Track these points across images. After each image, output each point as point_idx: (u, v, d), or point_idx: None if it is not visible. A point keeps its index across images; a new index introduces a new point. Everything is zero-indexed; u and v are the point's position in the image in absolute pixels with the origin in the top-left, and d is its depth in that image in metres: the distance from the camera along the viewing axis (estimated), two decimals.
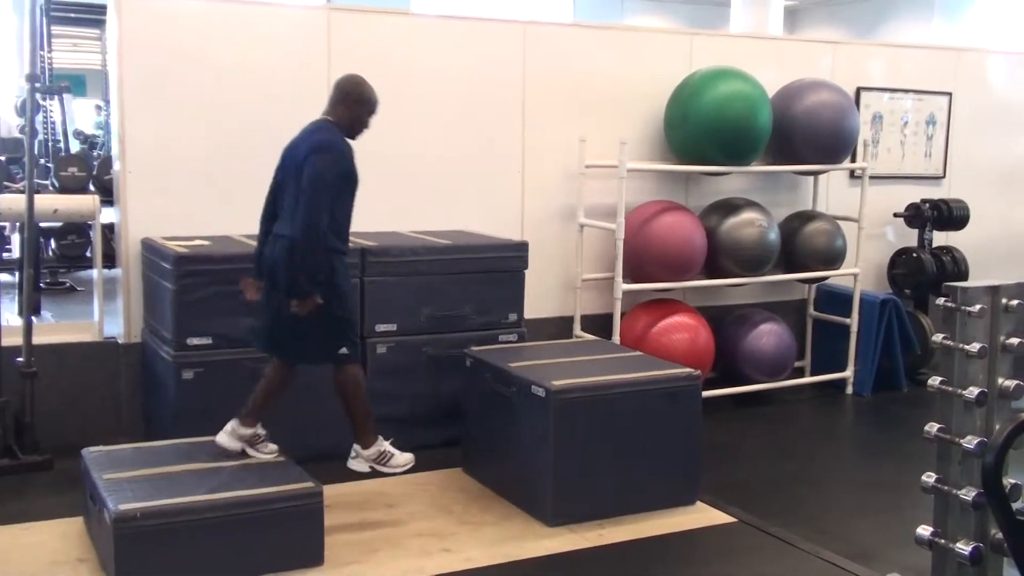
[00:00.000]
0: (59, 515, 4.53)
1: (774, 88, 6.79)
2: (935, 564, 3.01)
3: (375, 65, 5.98)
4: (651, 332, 6.31)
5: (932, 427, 2.96)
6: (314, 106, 5.82)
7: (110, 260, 6.24)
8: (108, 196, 6.44)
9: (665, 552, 4.43)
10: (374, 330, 5.39)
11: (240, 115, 5.70)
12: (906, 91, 7.73)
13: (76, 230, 8.68)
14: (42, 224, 7.17)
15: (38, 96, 7.73)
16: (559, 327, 6.46)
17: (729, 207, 6.64)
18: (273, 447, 4.48)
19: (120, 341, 5.67)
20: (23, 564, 4.08)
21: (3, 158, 9.76)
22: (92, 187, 8.41)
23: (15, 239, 9.20)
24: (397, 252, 5.50)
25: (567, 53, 6.56)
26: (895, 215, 7.67)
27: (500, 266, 5.76)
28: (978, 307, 2.85)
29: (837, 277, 7.07)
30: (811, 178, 7.24)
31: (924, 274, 7.40)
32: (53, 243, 8.89)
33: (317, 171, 4.27)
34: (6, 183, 9.05)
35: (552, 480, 4.57)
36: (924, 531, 2.99)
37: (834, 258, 6.89)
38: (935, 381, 2.96)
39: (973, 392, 2.84)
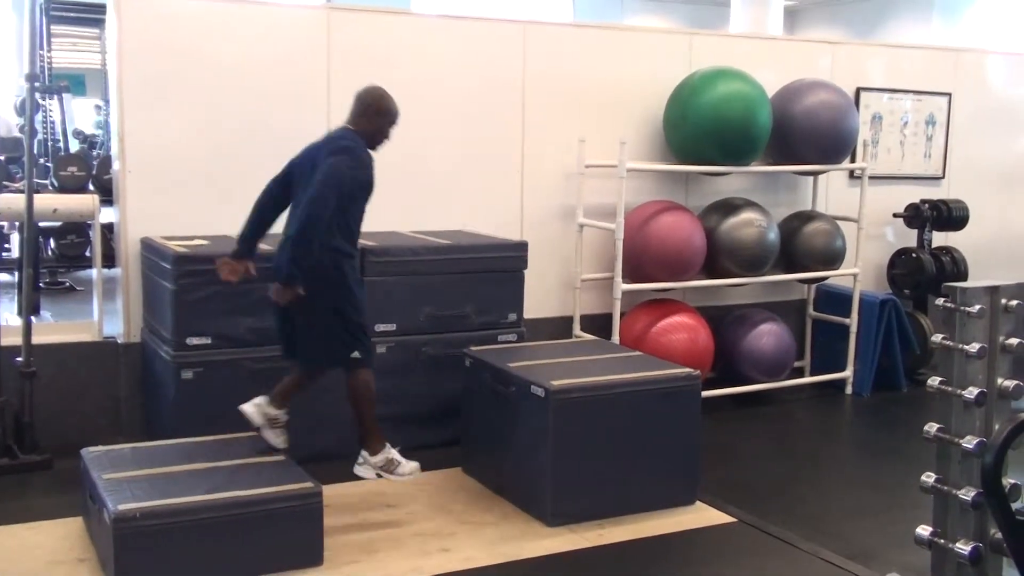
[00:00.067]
0: (59, 515, 4.53)
1: (774, 88, 6.79)
2: (934, 564, 3.01)
3: (375, 65, 5.99)
4: (650, 332, 6.31)
5: (931, 427, 2.96)
6: (314, 106, 5.87)
7: (109, 260, 6.23)
8: (107, 196, 6.44)
9: (665, 552, 4.43)
10: (374, 330, 5.39)
11: (240, 115, 5.70)
12: (905, 91, 7.73)
13: (75, 230, 8.67)
14: (41, 224, 7.16)
15: (37, 96, 7.73)
16: (558, 327, 6.46)
17: (728, 207, 6.64)
18: (285, 438, 4.48)
19: (119, 341, 5.67)
20: (23, 564, 4.08)
21: (2, 157, 9.76)
22: (91, 187, 8.39)
23: (14, 239, 9.20)
24: (397, 252, 5.50)
25: (567, 53, 6.56)
26: (894, 215, 7.67)
27: (500, 266, 5.76)
28: (977, 307, 2.85)
29: (837, 277, 7.07)
30: (811, 178, 7.24)
31: (923, 274, 7.40)
32: (52, 243, 8.88)
33: (334, 169, 4.28)
34: (5, 182, 9.06)
35: (551, 480, 4.57)
36: (923, 531, 2.99)
37: (833, 258, 6.89)
38: (934, 381, 2.96)
39: (972, 392, 2.84)
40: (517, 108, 6.41)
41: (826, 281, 7.17)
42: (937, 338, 2.96)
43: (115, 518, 3.74)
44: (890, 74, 7.71)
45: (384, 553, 4.25)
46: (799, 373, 7.21)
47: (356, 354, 4.44)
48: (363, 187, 4.42)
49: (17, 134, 10.80)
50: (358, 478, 4.65)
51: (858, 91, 7.45)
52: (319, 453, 4.89)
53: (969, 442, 2.83)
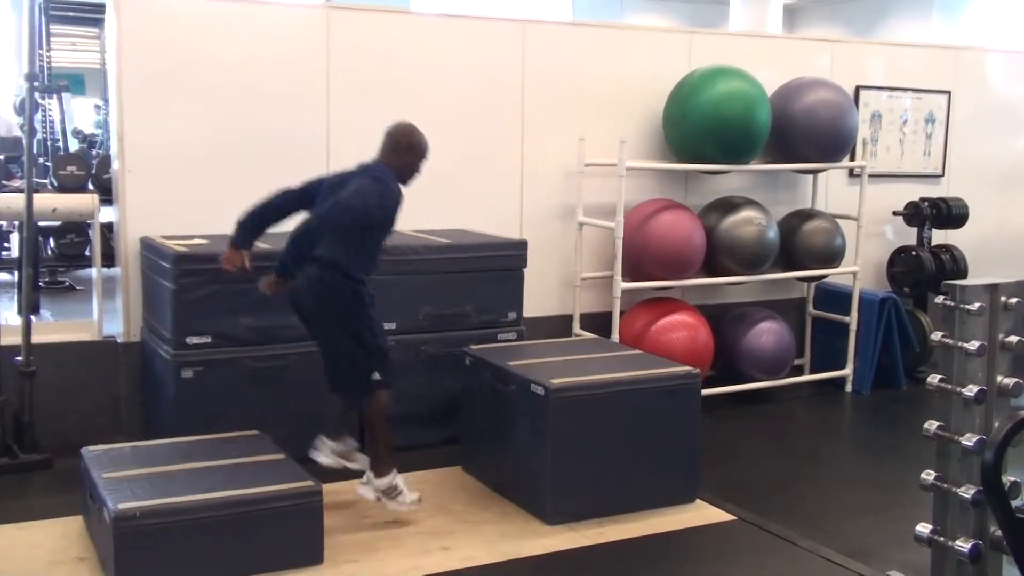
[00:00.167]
0: (58, 514, 4.53)
1: (773, 87, 6.79)
2: (934, 562, 3.02)
3: (374, 64, 6.00)
4: (650, 330, 6.31)
5: (931, 425, 2.97)
6: (313, 105, 5.87)
7: (109, 259, 6.23)
8: (107, 195, 6.44)
9: (664, 550, 4.43)
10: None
11: (239, 114, 5.70)
12: (905, 90, 7.73)
13: (75, 229, 8.67)
14: (41, 223, 7.16)
15: (37, 95, 7.73)
16: (558, 326, 6.46)
17: (728, 205, 6.64)
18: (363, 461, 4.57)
19: (119, 340, 5.67)
20: (23, 563, 4.08)
21: (2, 157, 9.76)
22: (91, 186, 8.39)
23: (14, 238, 9.19)
24: (396, 251, 5.48)
25: (566, 52, 6.56)
26: (894, 213, 7.67)
27: (499, 265, 5.76)
28: (977, 305, 2.86)
29: (836, 275, 7.07)
30: (810, 176, 7.24)
31: (923, 272, 7.40)
32: (52, 242, 8.88)
33: (364, 189, 4.33)
34: (5, 182, 9.06)
35: (551, 478, 4.57)
36: (923, 529, 2.99)
37: (833, 256, 6.89)
38: (934, 379, 2.96)
39: (972, 390, 2.84)
40: (517, 107, 6.41)
41: (826, 279, 7.17)
42: (937, 336, 2.96)
43: (115, 517, 3.74)
44: (890, 72, 7.71)
45: (384, 552, 4.25)
46: (799, 371, 7.21)
47: (377, 375, 4.44)
48: (385, 220, 4.43)
49: (17, 133, 10.80)
50: (357, 476, 4.65)
51: (857, 89, 7.45)
52: None
53: (969, 440, 2.84)
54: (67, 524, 4.42)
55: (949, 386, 2.91)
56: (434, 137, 6.13)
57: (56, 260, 9.02)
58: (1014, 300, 2.90)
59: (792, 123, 6.64)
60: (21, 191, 5.77)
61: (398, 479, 4.50)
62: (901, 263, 7.56)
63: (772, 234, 6.57)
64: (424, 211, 6.15)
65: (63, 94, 11.18)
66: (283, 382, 5.15)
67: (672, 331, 6.34)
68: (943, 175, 7.95)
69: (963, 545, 2.87)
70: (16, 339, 5.31)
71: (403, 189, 4.51)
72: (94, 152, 11.20)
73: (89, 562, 4.08)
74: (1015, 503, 2.72)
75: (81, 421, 5.39)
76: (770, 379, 6.77)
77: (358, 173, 4.48)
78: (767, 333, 6.71)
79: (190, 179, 5.61)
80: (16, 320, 6.23)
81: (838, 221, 6.97)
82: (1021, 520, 2.69)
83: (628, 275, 6.23)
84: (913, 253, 7.51)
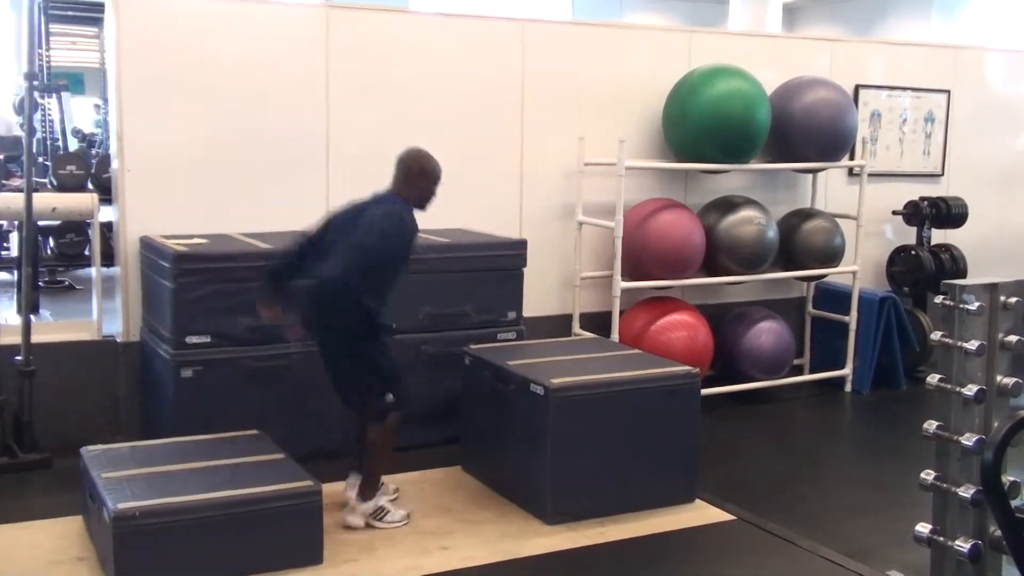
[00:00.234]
0: (58, 514, 4.53)
1: (773, 86, 6.79)
2: (934, 562, 3.01)
3: (374, 64, 6.00)
4: (650, 330, 6.31)
5: (931, 425, 2.96)
6: (313, 104, 5.86)
7: (109, 258, 6.23)
8: (106, 194, 6.43)
9: (664, 550, 4.43)
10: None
11: (239, 113, 5.69)
12: (904, 89, 7.73)
13: (75, 228, 8.66)
14: (40, 222, 7.15)
15: (36, 94, 7.72)
16: (558, 325, 6.46)
17: (728, 205, 6.64)
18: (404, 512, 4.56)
19: (119, 339, 5.66)
20: (22, 563, 4.08)
21: (1, 156, 9.75)
22: (90, 185, 8.39)
23: (13, 237, 9.19)
24: None
25: (566, 51, 6.55)
26: (894, 213, 7.67)
27: (499, 264, 5.76)
28: (976, 305, 2.85)
29: (836, 275, 7.07)
30: (810, 176, 7.24)
31: (923, 272, 7.40)
32: (51, 241, 8.88)
33: (378, 229, 4.28)
34: (4, 181, 9.05)
35: (551, 478, 4.58)
36: (923, 529, 2.99)
37: (833, 256, 6.89)
38: (934, 379, 2.96)
39: (972, 390, 2.84)
40: (516, 106, 6.41)
41: (825, 279, 7.16)
42: (936, 335, 2.95)
43: (115, 517, 3.74)
44: (889, 71, 7.71)
45: (383, 551, 4.25)
46: (798, 371, 7.21)
47: (391, 398, 4.46)
48: (401, 254, 4.41)
49: (17, 132, 10.79)
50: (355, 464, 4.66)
51: (857, 88, 7.45)
52: (318, 451, 4.90)
53: (968, 439, 2.83)
54: (66, 524, 4.42)
55: (948, 386, 2.91)
56: (434, 137, 6.13)
57: (56, 259, 9.02)
58: (1013, 300, 2.89)
59: (792, 122, 6.64)
60: (21, 190, 5.76)
61: (383, 499, 4.50)
62: (901, 262, 7.56)
63: (772, 233, 6.57)
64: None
65: (62, 93, 11.17)
66: (283, 381, 5.15)
67: (672, 331, 6.33)
68: (943, 174, 7.95)
69: (963, 545, 2.87)
70: (16, 338, 5.31)
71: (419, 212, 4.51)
72: (93, 151, 11.20)
73: (88, 562, 4.08)
74: (1015, 503, 2.72)
75: (80, 421, 5.38)
76: (770, 379, 6.77)
77: (372, 204, 4.45)
78: (767, 333, 6.71)
79: (190, 178, 5.61)
80: (16, 319, 6.23)
81: (838, 220, 6.97)
82: (1020, 520, 2.68)
83: (628, 275, 6.23)
84: (913, 252, 7.51)
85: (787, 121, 6.63)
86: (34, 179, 5.81)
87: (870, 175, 7.06)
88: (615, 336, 6.13)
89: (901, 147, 7.76)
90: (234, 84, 5.68)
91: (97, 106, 13.66)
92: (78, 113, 13.93)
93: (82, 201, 6.36)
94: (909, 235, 7.63)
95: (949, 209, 7.52)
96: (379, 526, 4.45)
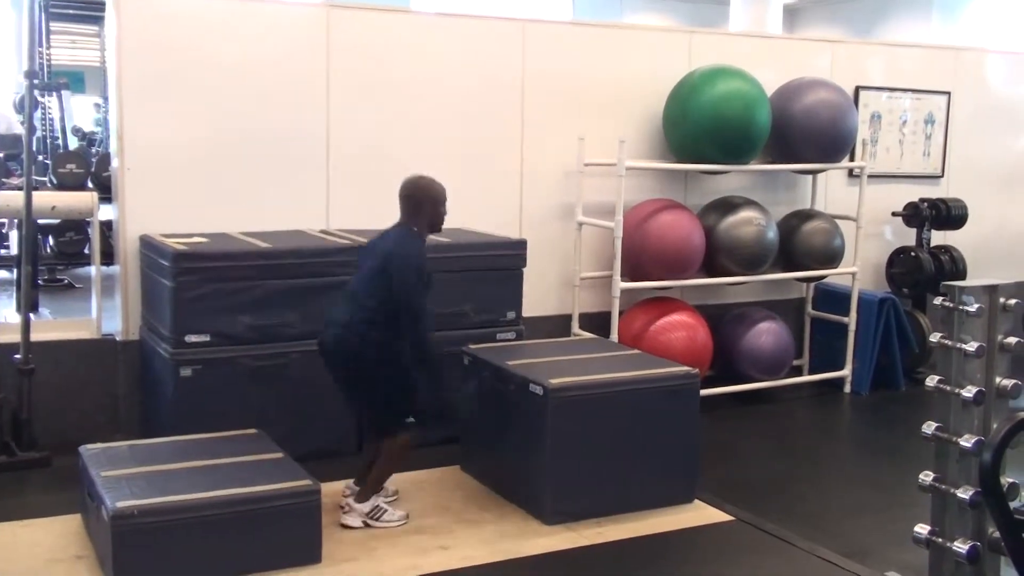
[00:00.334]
0: (57, 512, 4.52)
1: (773, 87, 6.79)
2: (932, 563, 3.02)
3: (374, 64, 6.00)
4: (649, 330, 6.32)
5: (930, 426, 2.97)
6: (313, 103, 5.86)
7: (108, 257, 6.23)
8: (106, 193, 6.43)
9: (663, 550, 4.43)
10: None
11: (239, 112, 5.69)
12: (905, 90, 7.73)
13: (74, 227, 8.66)
14: (40, 221, 7.16)
15: (37, 93, 7.73)
16: (557, 325, 6.46)
17: (728, 206, 6.64)
18: (402, 513, 4.58)
19: (118, 338, 5.66)
20: (21, 561, 4.08)
21: (1, 154, 9.75)
22: (90, 184, 8.39)
23: (13, 236, 9.19)
24: None
25: (566, 51, 6.56)
26: (893, 214, 7.67)
27: (499, 264, 5.76)
28: (976, 306, 2.86)
29: (835, 276, 7.07)
30: (810, 177, 7.24)
31: (922, 273, 7.40)
32: (51, 240, 8.88)
33: (405, 280, 4.40)
34: (4, 179, 9.05)
35: (550, 478, 4.57)
36: (922, 530, 2.99)
37: (832, 257, 6.89)
38: (933, 380, 2.96)
39: (971, 391, 2.84)
40: (516, 106, 6.41)
41: (825, 280, 7.17)
42: (935, 337, 2.96)
43: (113, 515, 3.74)
44: (889, 73, 7.71)
45: (382, 551, 4.25)
46: (798, 372, 7.21)
47: (411, 419, 4.53)
48: (426, 282, 4.52)
49: (17, 130, 10.79)
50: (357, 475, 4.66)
51: (857, 90, 7.45)
52: (318, 451, 4.90)
53: (967, 441, 2.84)
54: (65, 522, 4.42)
55: (948, 387, 2.91)
56: (434, 137, 6.17)
57: (55, 258, 9.03)
58: (1013, 301, 2.90)
59: (792, 123, 6.64)
60: (20, 189, 5.77)
61: (379, 500, 4.51)
62: (900, 264, 7.57)
63: (771, 234, 6.57)
64: None
65: (63, 92, 11.17)
66: (282, 380, 5.15)
67: (671, 331, 6.34)
68: (942, 176, 7.95)
69: (961, 546, 2.87)
70: (15, 337, 5.31)
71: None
72: (93, 150, 11.20)
73: (87, 560, 4.08)
74: (1013, 504, 2.72)
75: (80, 419, 5.38)
76: (769, 379, 6.77)
77: (384, 246, 4.52)
78: (766, 333, 6.72)
79: (190, 177, 5.61)
80: (15, 318, 6.23)
81: (837, 222, 6.97)
82: (1019, 521, 2.68)
83: (627, 275, 6.23)
84: (912, 254, 7.51)
85: (787, 122, 6.63)
86: (34, 177, 5.82)
87: (870, 176, 7.07)
88: (614, 336, 6.13)
89: (901, 148, 7.76)
90: (234, 84, 5.68)
91: (97, 105, 13.66)
92: (78, 111, 13.93)
93: (82, 199, 6.36)
94: (909, 236, 7.63)
95: (949, 211, 7.52)
96: (377, 525, 4.45)
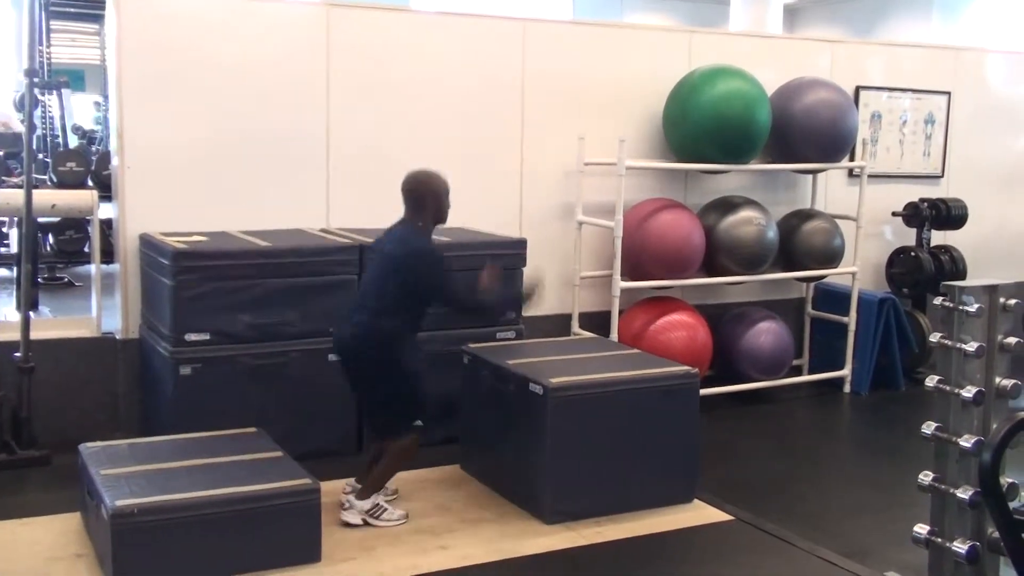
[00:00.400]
0: (56, 510, 4.52)
1: (773, 86, 6.79)
2: (932, 563, 3.02)
3: (374, 63, 6.00)
4: (649, 330, 6.32)
5: (929, 426, 2.97)
6: (313, 103, 5.86)
7: (108, 255, 6.23)
8: (106, 191, 6.43)
9: (662, 550, 4.43)
10: None
11: (239, 111, 5.69)
12: (905, 90, 7.73)
13: (74, 225, 8.66)
14: (40, 219, 7.16)
15: (37, 91, 7.72)
16: (557, 324, 6.46)
17: (728, 205, 6.64)
18: (401, 513, 4.58)
19: (118, 337, 5.67)
20: (20, 559, 4.08)
21: (1, 153, 9.75)
22: (90, 182, 8.39)
23: (13, 234, 9.19)
24: None
25: (566, 51, 6.55)
26: (893, 214, 7.67)
27: (499, 263, 5.74)
28: (976, 306, 2.86)
29: (835, 276, 7.07)
30: (810, 177, 7.24)
31: (922, 273, 7.40)
32: (51, 238, 8.88)
33: (434, 278, 4.48)
34: (4, 177, 9.05)
35: (550, 477, 4.57)
36: (921, 530, 3.00)
37: (832, 257, 6.89)
38: (933, 380, 2.96)
39: (971, 391, 2.84)
40: (516, 106, 6.41)
41: (825, 279, 7.17)
42: (935, 337, 2.96)
43: (113, 514, 3.74)
44: (889, 73, 7.71)
45: (382, 550, 4.25)
46: (797, 371, 7.21)
47: (419, 423, 4.57)
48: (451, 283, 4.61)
49: (17, 128, 10.79)
50: (356, 475, 4.66)
51: (857, 89, 7.45)
52: (317, 450, 4.90)
53: (967, 441, 2.84)
54: (65, 520, 4.42)
55: (947, 387, 2.91)
56: (434, 135, 6.17)
57: (55, 256, 9.03)
58: (1013, 301, 2.90)
59: (792, 123, 6.64)
60: (20, 187, 5.76)
61: (380, 498, 4.52)
62: (900, 264, 7.57)
63: (771, 234, 6.57)
64: None
65: (63, 90, 11.17)
66: (282, 379, 5.15)
67: (671, 331, 6.34)
68: (942, 176, 7.95)
69: (961, 546, 2.87)
70: (15, 335, 5.31)
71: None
72: (93, 148, 11.21)
73: (87, 559, 4.08)
74: (1013, 505, 2.72)
75: (79, 417, 5.38)
76: (769, 379, 6.78)
77: (392, 245, 4.55)
78: (766, 333, 6.72)
79: (190, 176, 5.61)
80: (15, 316, 6.23)
81: (837, 221, 6.97)
82: (1018, 522, 2.69)
83: (627, 274, 6.23)
84: (912, 254, 7.51)
85: (787, 122, 6.63)
86: (34, 176, 5.81)
87: (870, 176, 7.07)
88: (614, 336, 6.13)
89: (901, 148, 7.76)
90: (234, 83, 5.68)
91: (97, 103, 13.67)
92: (78, 110, 13.94)
93: (82, 198, 6.36)
94: (909, 236, 7.63)
95: (949, 211, 7.52)
96: (376, 524, 4.45)
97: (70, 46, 12.96)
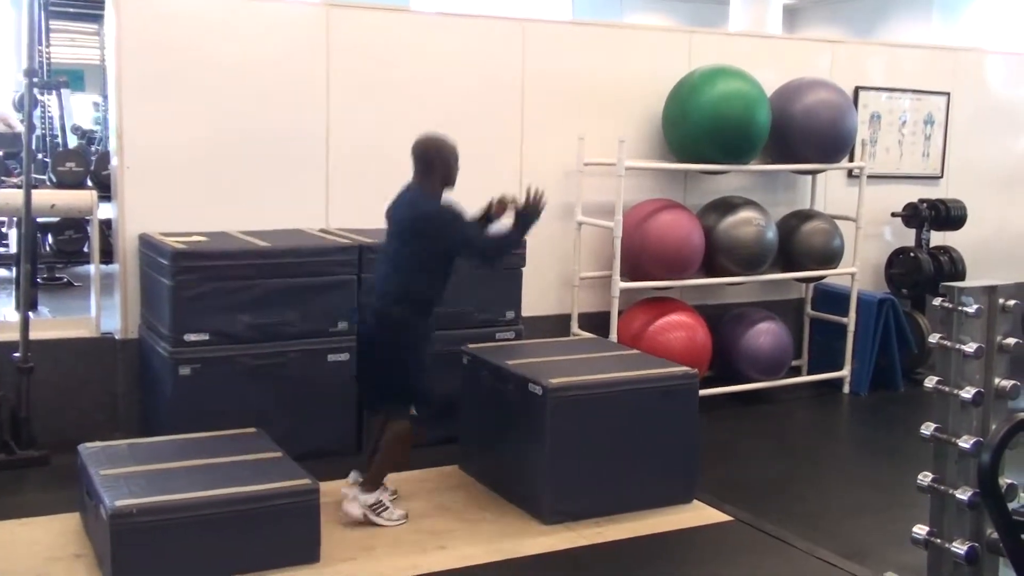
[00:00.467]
0: (55, 511, 4.53)
1: (773, 87, 6.79)
2: (931, 564, 3.01)
3: (374, 63, 6.00)
4: (648, 330, 6.32)
5: (928, 427, 2.96)
6: (313, 103, 5.86)
7: (107, 256, 6.23)
8: (106, 191, 6.43)
9: (662, 550, 4.43)
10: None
11: (238, 111, 5.69)
12: (904, 91, 7.74)
13: (74, 225, 8.66)
14: (39, 219, 7.16)
15: (36, 91, 7.72)
16: (557, 325, 6.46)
17: (727, 206, 6.64)
18: (401, 512, 4.57)
19: (117, 337, 5.66)
20: (19, 560, 4.08)
21: (1, 153, 9.75)
22: (90, 182, 8.39)
23: (12, 234, 9.18)
24: None
25: (566, 51, 6.56)
26: (893, 215, 7.67)
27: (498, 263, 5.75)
28: (975, 307, 2.85)
29: (834, 276, 7.08)
30: (809, 177, 7.24)
31: (921, 274, 7.40)
32: (50, 238, 8.88)
33: (456, 233, 4.49)
34: (4, 178, 9.05)
35: (549, 478, 4.58)
36: (920, 531, 2.99)
37: (832, 257, 6.89)
38: (932, 381, 2.96)
39: (970, 392, 2.84)
40: (516, 106, 6.41)
41: (824, 280, 7.17)
42: (934, 338, 2.96)
43: (112, 514, 3.74)
44: (889, 73, 7.72)
45: (381, 550, 4.25)
46: (796, 372, 7.22)
47: (415, 412, 4.56)
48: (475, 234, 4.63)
49: (17, 128, 10.79)
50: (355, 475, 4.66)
51: (857, 90, 7.45)
52: (316, 450, 4.90)
53: (966, 442, 2.83)
54: (64, 521, 4.42)
55: (946, 388, 2.91)
56: None
57: (54, 256, 9.02)
58: (1012, 302, 2.89)
59: (791, 124, 6.64)
60: (20, 187, 5.76)
61: (384, 495, 4.52)
62: (899, 264, 7.57)
63: (771, 234, 6.58)
64: None
65: (62, 90, 11.17)
66: (281, 379, 5.15)
67: (670, 331, 6.34)
68: (942, 176, 7.95)
69: (960, 547, 2.87)
70: (14, 335, 5.30)
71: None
72: (93, 148, 11.20)
73: (86, 559, 4.08)
74: (1012, 506, 2.72)
75: (79, 418, 5.38)
76: (768, 380, 6.78)
77: (407, 208, 4.54)
78: (765, 334, 6.72)
79: (189, 176, 5.61)
80: (14, 316, 6.22)
81: (837, 222, 6.97)
82: (1018, 523, 2.68)
83: (627, 275, 6.23)
84: (911, 254, 7.51)
85: (787, 122, 6.63)
86: (33, 176, 5.81)
87: (869, 177, 7.07)
88: (614, 336, 6.13)
89: (900, 149, 7.76)
90: (234, 82, 5.68)
91: (97, 103, 13.66)
92: (78, 110, 13.93)
93: (81, 198, 6.36)
94: (908, 237, 7.63)
95: (948, 211, 7.53)
96: (377, 521, 4.45)
97: (69, 46, 12.95)
